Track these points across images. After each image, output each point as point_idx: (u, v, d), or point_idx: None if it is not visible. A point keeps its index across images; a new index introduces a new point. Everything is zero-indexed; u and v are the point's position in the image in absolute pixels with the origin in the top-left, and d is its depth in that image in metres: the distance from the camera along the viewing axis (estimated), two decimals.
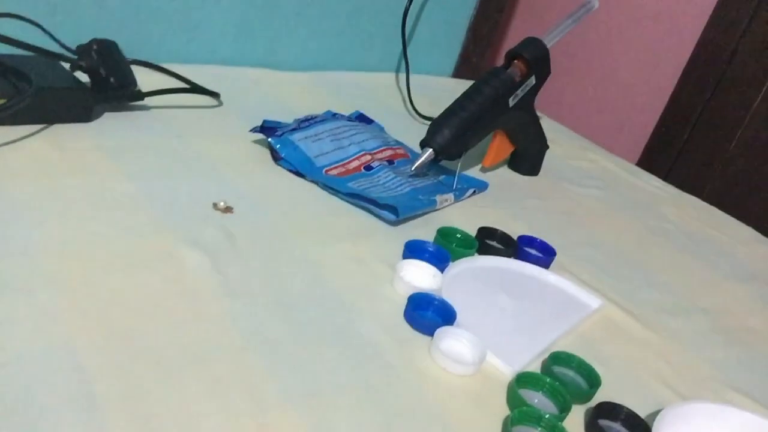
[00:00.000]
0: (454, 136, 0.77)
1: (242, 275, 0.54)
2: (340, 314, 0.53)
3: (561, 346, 0.56)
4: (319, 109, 0.89)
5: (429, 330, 0.53)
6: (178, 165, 0.68)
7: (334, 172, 0.75)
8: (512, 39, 1.40)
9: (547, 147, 0.93)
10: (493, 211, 0.79)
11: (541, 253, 0.69)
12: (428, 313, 0.55)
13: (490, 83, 0.79)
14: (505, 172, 0.92)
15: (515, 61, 0.82)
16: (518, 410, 0.46)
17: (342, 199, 0.70)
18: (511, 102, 0.81)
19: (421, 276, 0.59)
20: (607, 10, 1.51)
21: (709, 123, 1.42)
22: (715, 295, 0.75)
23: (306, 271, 0.57)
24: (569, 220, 0.82)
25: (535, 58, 0.82)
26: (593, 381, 0.52)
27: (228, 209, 0.62)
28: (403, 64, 1.16)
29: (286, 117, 0.82)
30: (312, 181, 0.72)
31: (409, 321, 0.54)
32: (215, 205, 0.62)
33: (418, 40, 1.22)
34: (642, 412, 0.50)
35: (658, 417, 0.47)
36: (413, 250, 0.63)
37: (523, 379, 0.50)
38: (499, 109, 0.80)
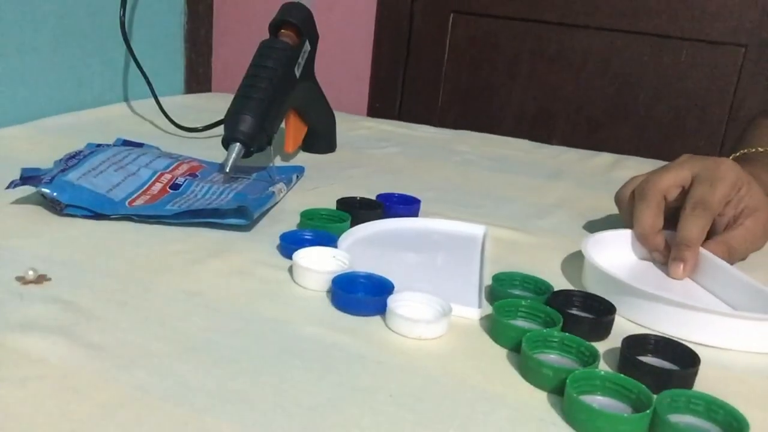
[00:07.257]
0: (258, 122, 0.67)
1: (120, 342, 0.38)
2: (274, 333, 0.41)
3: (486, 274, 0.51)
4: None
5: (371, 309, 0.44)
6: None
7: (140, 201, 0.60)
8: (226, 42, 1.30)
9: (334, 119, 0.87)
10: (327, 187, 0.71)
11: (408, 205, 0.64)
12: (360, 293, 0.46)
13: (271, 57, 0.71)
14: (305, 156, 0.84)
15: (282, 30, 0.75)
16: (528, 336, 0.39)
17: (171, 223, 0.56)
18: (297, 73, 0.74)
19: (326, 260, 0.49)
20: None
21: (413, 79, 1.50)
22: (546, 194, 0.77)
23: (193, 305, 0.43)
24: (397, 177, 0.78)
25: (303, 22, 0.75)
26: (541, 287, 0.48)
27: (42, 278, 0.45)
28: (130, 91, 1.02)
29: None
30: (121, 218, 0.57)
31: (344, 306, 0.44)
32: (22, 279, 0.44)
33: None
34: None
35: (583, 243, 0.53)
36: (293, 241, 0.52)
37: (501, 307, 0.43)
38: (289, 82, 0.72)
